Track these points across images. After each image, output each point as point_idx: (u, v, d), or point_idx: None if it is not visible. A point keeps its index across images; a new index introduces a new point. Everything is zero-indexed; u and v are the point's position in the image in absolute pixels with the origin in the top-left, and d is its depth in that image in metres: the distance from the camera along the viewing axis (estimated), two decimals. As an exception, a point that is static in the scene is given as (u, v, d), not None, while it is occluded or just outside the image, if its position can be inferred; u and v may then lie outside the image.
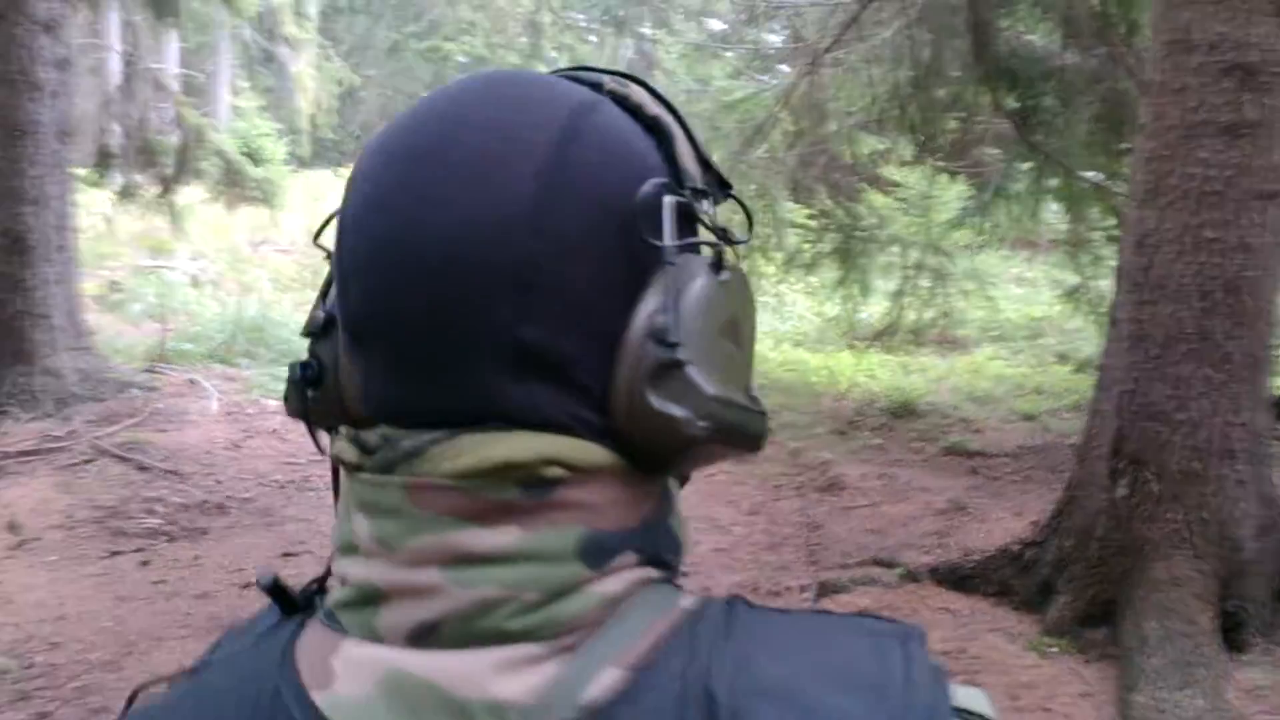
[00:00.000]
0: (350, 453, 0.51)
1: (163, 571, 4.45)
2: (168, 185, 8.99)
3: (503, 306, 0.48)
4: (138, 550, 4.67)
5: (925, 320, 8.22)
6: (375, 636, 0.49)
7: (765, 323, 10.44)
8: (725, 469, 6.07)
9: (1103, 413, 3.98)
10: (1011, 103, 5.86)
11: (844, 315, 8.90)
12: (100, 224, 10.78)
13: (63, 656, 3.68)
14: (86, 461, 5.56)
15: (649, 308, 0.49)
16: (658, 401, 0.48)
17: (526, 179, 0.48)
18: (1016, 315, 9.70)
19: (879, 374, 7.93)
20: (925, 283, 7.93)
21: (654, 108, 0.55)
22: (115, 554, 4.62)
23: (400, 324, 0.50)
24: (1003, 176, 6.71)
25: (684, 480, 0.58)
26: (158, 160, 8.99)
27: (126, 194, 9.07)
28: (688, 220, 0.52)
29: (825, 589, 4.30)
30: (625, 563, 0.50)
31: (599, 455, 0.49)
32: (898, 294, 8.15)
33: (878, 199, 8.65)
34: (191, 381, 7.34)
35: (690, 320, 0.49)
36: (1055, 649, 3.66)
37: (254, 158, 13.14)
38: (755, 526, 5.23)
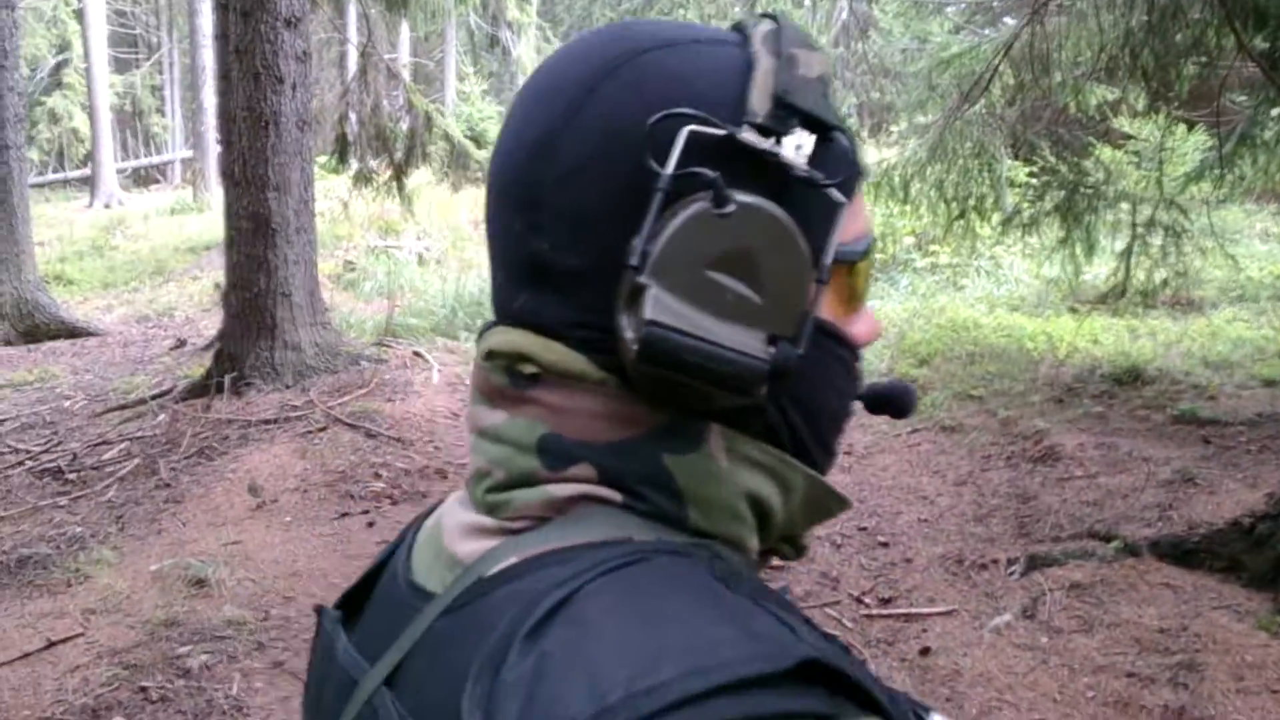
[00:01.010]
0: None
1: (387, 532, 4.59)
2: (398, 169, 9.19)
3: (517, 221, 0.54)
4: (364, 512, 4.91)
5: (1157, 281, 7.61)
6: None
7: (979, 287, 10.00)
8: (930, 439, 5.89)
9: (1350, 377, 3.60)
10: (1260, 44, 5.33)
11: (1066, 277, 8.40)
12: (337, 207, 11.40)
13: (295, 610, 3.88)
14: (320, 430, 5.84)
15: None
16: (623, 320, 0.50)
17: (556, 111, 0.53)
18: (1261, 274, 8.85)
19: (1103, 339, 7.44)
20: (1157, 241, 7.34)
21: (756, 45, 0.54)
22: (344, 515, 4.87)
23: (487, 233, 0.59)
24: (1249, 124, 6.13)
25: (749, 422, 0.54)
26: (390, 146, 9.18)
27: (361, 178, 9.32)
28: (722, 154, 0.50)
29: (1034, 562, 4.11)
30: (581, 474, 0.52)
31: (576, 362, 0.53)
32: (1126, 253, 7.58)
33: (1106, 153, 8.10)
34: (416, 354, 7.62)
35: (665, 247, 0.49)
36: (1288, 630, 3.37)
37: (478, 141, 13.68)
38: (962, 497, 5.04)
